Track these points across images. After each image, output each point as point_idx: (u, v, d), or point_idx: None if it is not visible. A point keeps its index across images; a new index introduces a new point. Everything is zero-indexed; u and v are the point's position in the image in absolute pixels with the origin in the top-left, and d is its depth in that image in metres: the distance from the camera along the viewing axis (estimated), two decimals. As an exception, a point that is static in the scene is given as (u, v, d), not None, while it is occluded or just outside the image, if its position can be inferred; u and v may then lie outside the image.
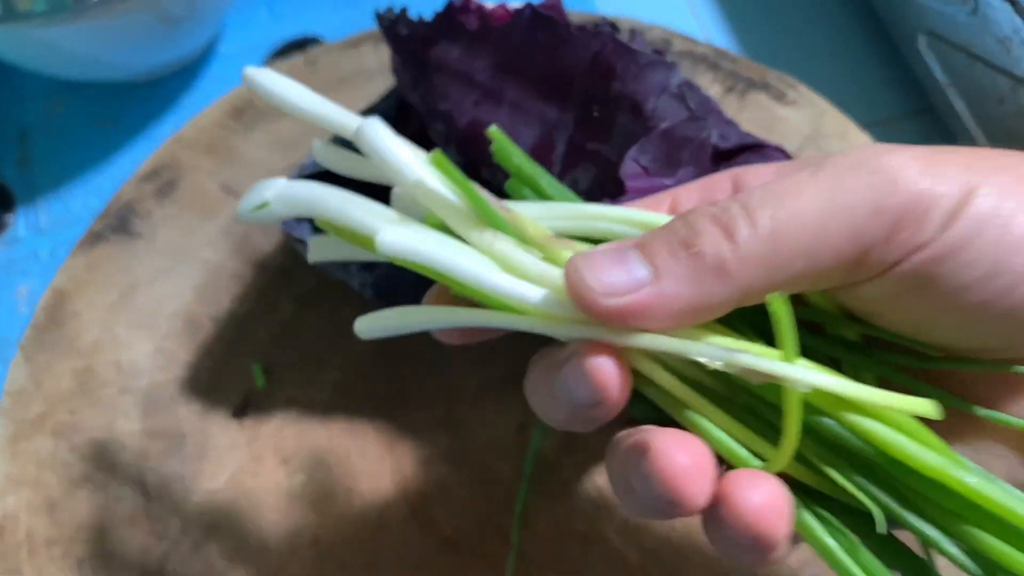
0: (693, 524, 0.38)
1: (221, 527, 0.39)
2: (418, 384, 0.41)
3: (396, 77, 0.39)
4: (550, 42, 0.33)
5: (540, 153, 0.33)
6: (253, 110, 0.49)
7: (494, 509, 0.38)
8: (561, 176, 0.34)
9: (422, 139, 0.41)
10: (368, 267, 0.38)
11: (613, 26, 0.39)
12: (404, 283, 0.37)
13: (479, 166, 0.34)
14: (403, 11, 0.35)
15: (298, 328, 0.43)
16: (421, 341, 0.40)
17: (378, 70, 0.50)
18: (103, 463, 0.40)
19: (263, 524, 0.39)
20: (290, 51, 0.55)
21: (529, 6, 0.33)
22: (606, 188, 0.33)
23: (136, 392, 0.42)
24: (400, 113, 0.40)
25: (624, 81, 0.32)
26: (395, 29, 0.36)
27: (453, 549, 0.38)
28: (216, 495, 0.39)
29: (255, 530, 0.39)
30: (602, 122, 0.33)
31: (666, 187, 0.30)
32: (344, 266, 0.38)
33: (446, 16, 0.34)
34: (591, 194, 0.33)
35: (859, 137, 0.46)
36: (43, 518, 0.39)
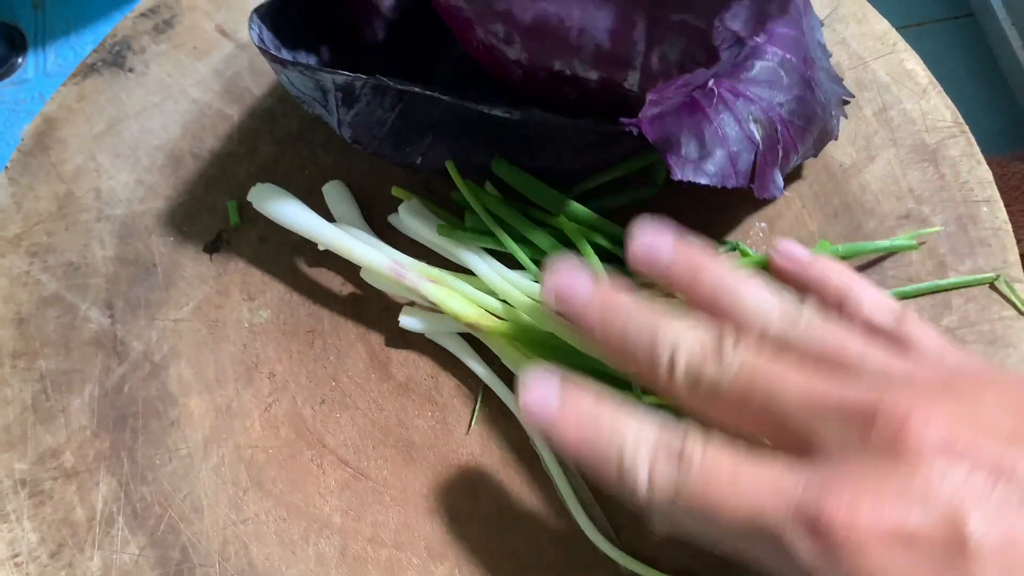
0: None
1: (181, 354, 0.39)
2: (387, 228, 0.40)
3: None
4: None
5: (620, 33, 0.31)
6: (256, -45, 0.48)
7: (446, 360, 0.38)
8: (647, 53, 0.32)
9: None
10: (347, 102, 0.37)
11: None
12: (377, 127, 0.36)
13: (552, 58, 0.33)
14: None
15: (276, 169, 0.42)
16: (388, 188, 0.40)
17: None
18: (74, 285, 0.40)
19: (222, 355, 0.39)
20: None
21: None
22: (699, 57, 0.31)
23: (113, 220, 0.42)
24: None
25: None
26: None
27: (405, 393, 0.38)
28: (180, 323, 0.39)
29: (214, 360, 0.39)
30: None
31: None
32: (323, 100, 0.37)
33: None
34: (683, 65, 0.31)
35: (879, 22, 0.43)
36: (11, 331, 0.39)
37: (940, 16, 0.51)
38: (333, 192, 0.40)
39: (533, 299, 0.35)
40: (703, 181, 0.34)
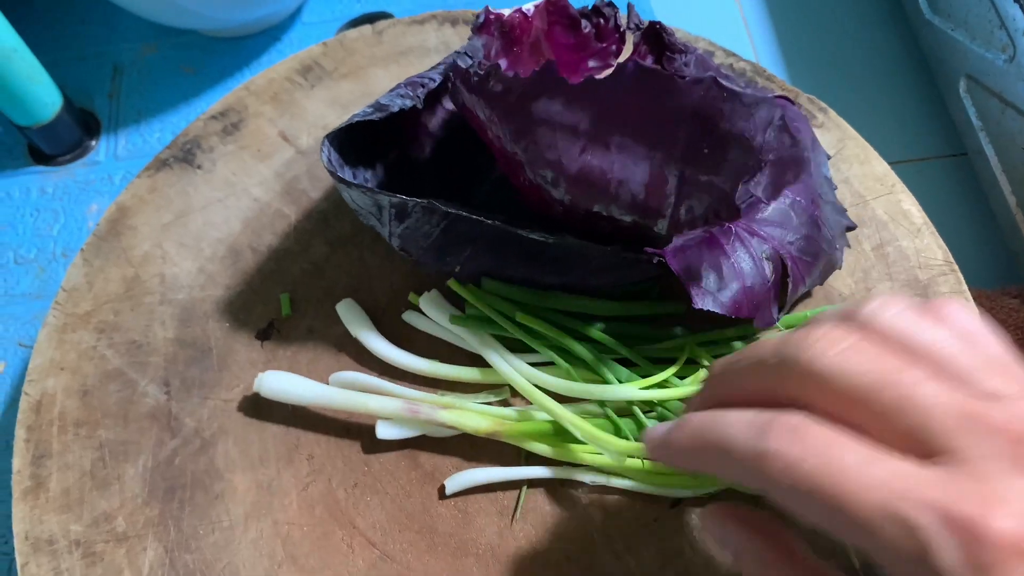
0: (648, 502, 0.40)
1: (229, 432, 0.42)
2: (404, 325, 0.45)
3: (472, 120, 0.40)
4: (655, 92, 0.33)
5: (654, 187, 0.36)
6: (320, 69, 0.53)
7: (469, 453, 0.41)
8: (676, 206, 0.36)
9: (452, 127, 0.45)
10: (400, 217, 0.41)
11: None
12: (423, 239, 0.41)
13: (592, 203, 0.37)
14: (495, 67, 0.36)
15: (327, 268, 0.47)
16: (421, 291, 0.44)
17: (435, 48, 0.54)
18: (135, 362, 0.44)
19: (266, 436, 0.42)
20: (362, 22, 0.59)
21: (633, 61, 0.33)
22: (721, 214, 0.36)
23: (174, 304, 0.46)
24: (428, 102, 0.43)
25: (732, 121, 0.33)
26: (486, 85, 0.36)
27: (431, 481, 0.41)
28: (229, 404, 0.43)
29: (259, 440, 0.42)
30: (712, 157, 0.34)
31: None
32: (378, 215, 0.41)
33: (545, 72, 0.34)
34: (707, 219, 0.36)
35: (880, 165, 0.48)
36: (76, 401, 0.43)
37: (937, 154, 0.55)
38: (346, 309, 0.44)
39: (538, 387, 0.39)
40: (719, 311, 0.38)
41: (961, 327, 0.25)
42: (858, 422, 0.23)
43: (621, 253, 0.39)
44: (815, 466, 0.22)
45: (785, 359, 0.25)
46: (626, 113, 0.34)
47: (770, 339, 0.27)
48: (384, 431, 0.40)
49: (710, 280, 0.39)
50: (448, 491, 0.40)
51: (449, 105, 0.47)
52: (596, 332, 0.41)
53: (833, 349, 0.24)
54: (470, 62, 0.42)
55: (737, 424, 0.25)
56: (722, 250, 0.39)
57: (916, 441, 0.22)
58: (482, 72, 0.36)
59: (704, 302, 0.38)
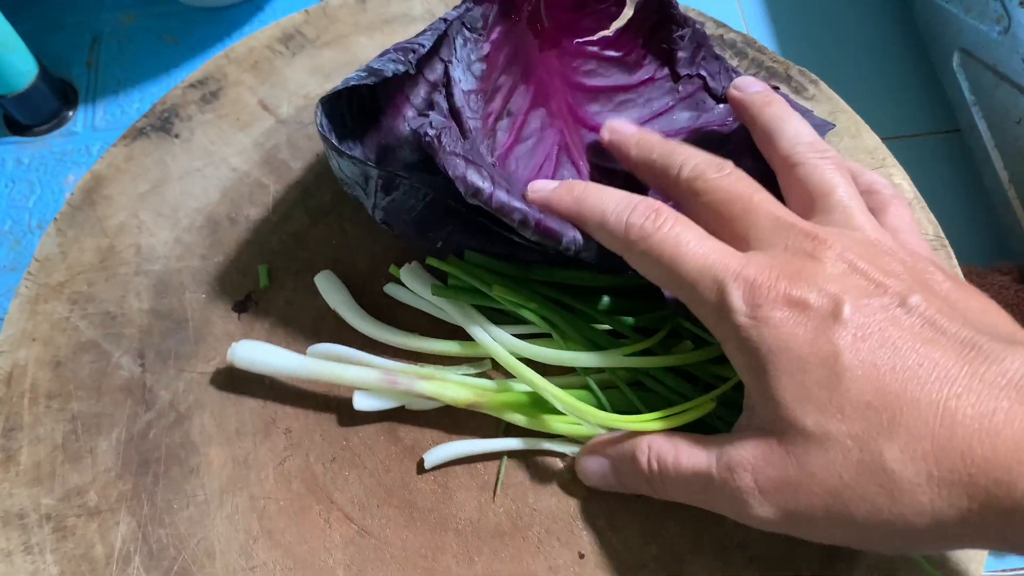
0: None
1: (205, 406, 0.41)
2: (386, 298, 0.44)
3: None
4: None
5: None
6: (301, 37, 0.52)
7: (451, 426, 0.41)
8: None
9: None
10: (386, 189, 0.40)
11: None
12: (407, 213, 0.40)
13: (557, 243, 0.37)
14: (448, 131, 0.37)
15: (306, 239, 0.46)
16: (402, 262, 0.43)
17: (421, 16, 0.53)
18: (109, 333, 0.43)
19: (243, 409, 0.41)
20: (347, -10, 0.58)
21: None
22: None
23: (150, 275, 0.45)
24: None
25: None
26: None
27: (411, 456, 0.40)
28: (205, 376, 0.42)
29: (235, 413, 0.41)
30: None
31: None
32: (364, 185, 0.40)
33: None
34: None
35: (871, 138, 0.47)
36: (48, 373, 0.42)
37: (929, 130, 0.54)
38: (324, 281, 0.43)
39: (520, 357, 0.38)
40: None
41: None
42: (710, 225, 0.33)
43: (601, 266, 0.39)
44: (663, 238, 0.32)
45: (669, 168, 0.35)
46: None
47: (669, 147, 0.37)
48: (361, 402, 0.39)
49: None
50: (427, 464, 0.39)
51: (432, 77, 0.45)
52: (579, 303, 0.40)
53: (711, 175, 0.34)
54: (468, 35, 0.41)
55: (612, 198, 0.35)
56: None
57: (742, 238, 0.32)
58: (432, 137, 0.36)
59: (680, 308, 0.38)
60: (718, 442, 0.32)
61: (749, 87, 0.40)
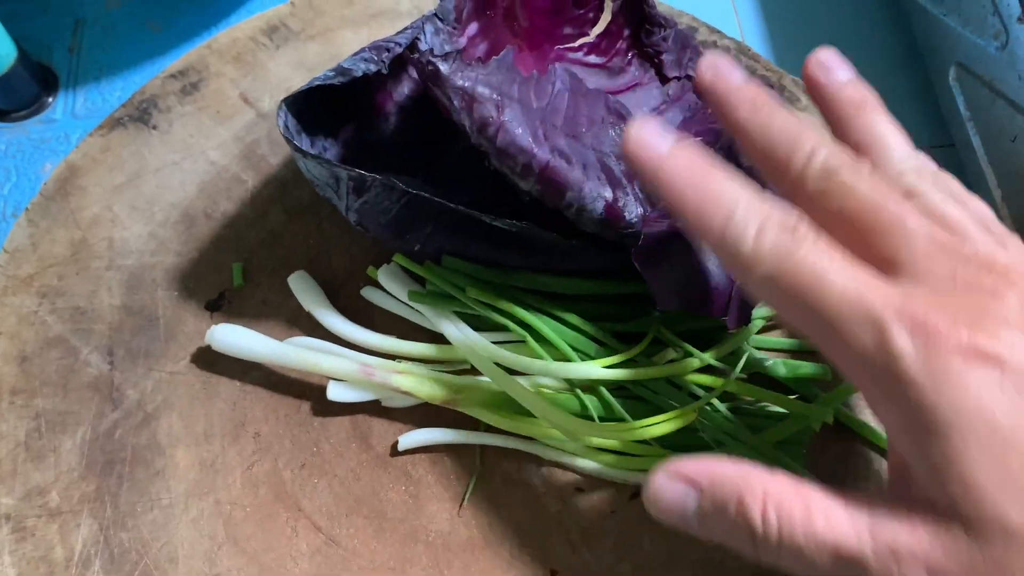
0: (607, 492, 0.39)
1: (173, 406, 0.40)
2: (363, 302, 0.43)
3: (436, 101, 0.38)
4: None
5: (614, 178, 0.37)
6: (286, 30, 0.51)
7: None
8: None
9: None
10: (358, 191, 0.39)
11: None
12: (382, 216, 0.39)
13: (560, 197, 0.36)
14: (455, 54, 0.35)
15: (284, 237, 0.44)
16: (381, 263, 0.42)
17: (408, 12, 0.51)
18: (78, 329, 0.42)
19: (212, 411, 0.40)
20: (335, -17, 0.57)
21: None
22: None
23: (123, 270, 0.44)
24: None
25: None
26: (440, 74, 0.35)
27: (382, 465, 0.39)
28: (175, 376, 0.41)
29: (204, 415, 0.40)
30: None
31: None
32: (335, 187, 0.39)
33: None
34: None
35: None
36: (13, 368, 0.41)
37: (924, 143, 0.53)
38: (299, 281, 0.42)
39: (498, 364, 0.37)
40: (684, 310, 0.36)
41: (955, 189, 0.28)
42: (841, 238, 0.25)
43: (589, 248, 0.37)
44: (800, 262, 0.24)
45: (794, 153, 0.27)
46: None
47: (794, 124, 0.28)
48: (336, 392, 0.38)
49: (675, 279, 0.37)
50: (401, 447, 0.39)
51: (415, 73, 0.44)
52: (561, 311, 0.39)
53: (848, 176, 0.26)
54: (440, 25, 0.40)
55: (743, 195, 0.26)
56: (688, 247, 0.37)
57: (891, 262, 0.25)
58: (436, 60, 0.34)
59: (668, 302, 0.36)
60: (868, 506, 0.24)
61: (830, 70, 0.32)
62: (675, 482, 0.26)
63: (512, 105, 0.34)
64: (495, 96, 0.34)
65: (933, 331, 0.22)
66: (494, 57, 0.36)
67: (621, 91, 0.44)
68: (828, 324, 0.24)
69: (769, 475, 0.25)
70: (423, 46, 0.38)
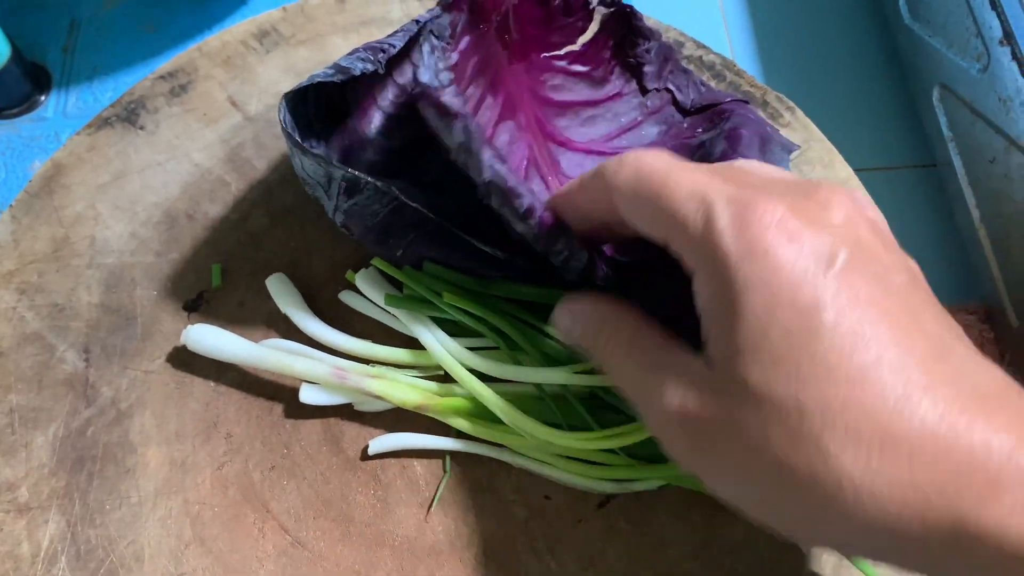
0: (574, 501, 0.39)
1: (146, 405, 0.41)
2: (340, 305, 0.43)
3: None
4: None
5: None
6: (277, 34, 0.51)
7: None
8: None
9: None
10: (349, 193, 0.39)
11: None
12: (369, 219, 0.39)
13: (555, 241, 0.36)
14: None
15: (265, 240, 0.45)
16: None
17: (399, 20, 0.52)
18: (56, 326, 0.42)
19: (185, 411, 0.41)
20: (327, -10, 0.57)
21: None
22: None
23: (103, 268, 0.44)
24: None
25: None
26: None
27: (352, 469, 0.39)
28: (150, 375, 0.41)
29: (177, 415, 0.40)
30: None
31: None
32: (327, 186, 0.39)
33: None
34: None
35: (843, 168, 0.46)
36: (-11, 363, 0.41)
37: (905, 163, 0.54)
38: (276, 284, 0.42)
39: (471, 369, 0.38)
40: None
41: None
42: None
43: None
44: (651, 170, 0.28)
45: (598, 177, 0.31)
46: None
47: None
48: (308, 395, 0.39)
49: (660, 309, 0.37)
50: (371, 451, 0.39)
51: (401, 80, 0.45)
52: (537, 320, 0.39)
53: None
54: (435, 43, 0.40)
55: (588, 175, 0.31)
56: (661, 280, 0.37)
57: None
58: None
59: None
60: (675, 353, 0.28)
61: None
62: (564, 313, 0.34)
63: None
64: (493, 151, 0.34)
65: (753, 209, 0.25)
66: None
67: (602, 101, 0.44)
68: (668, 215, 0.27)
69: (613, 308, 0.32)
70: (423, 75, 0.38)
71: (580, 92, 0.44)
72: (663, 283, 0.37)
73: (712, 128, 0.42)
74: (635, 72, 0.45)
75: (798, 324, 0.24)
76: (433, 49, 0.40)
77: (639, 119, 0.44)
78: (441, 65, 0.40)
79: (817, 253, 0.24)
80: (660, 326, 0.30)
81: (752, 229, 0.25)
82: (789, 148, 0.40)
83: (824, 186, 0.27)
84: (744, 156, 0.39)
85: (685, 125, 0.43)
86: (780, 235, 0.24)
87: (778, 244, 0.24)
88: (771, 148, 0.43)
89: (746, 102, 0.41)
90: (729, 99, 0.43)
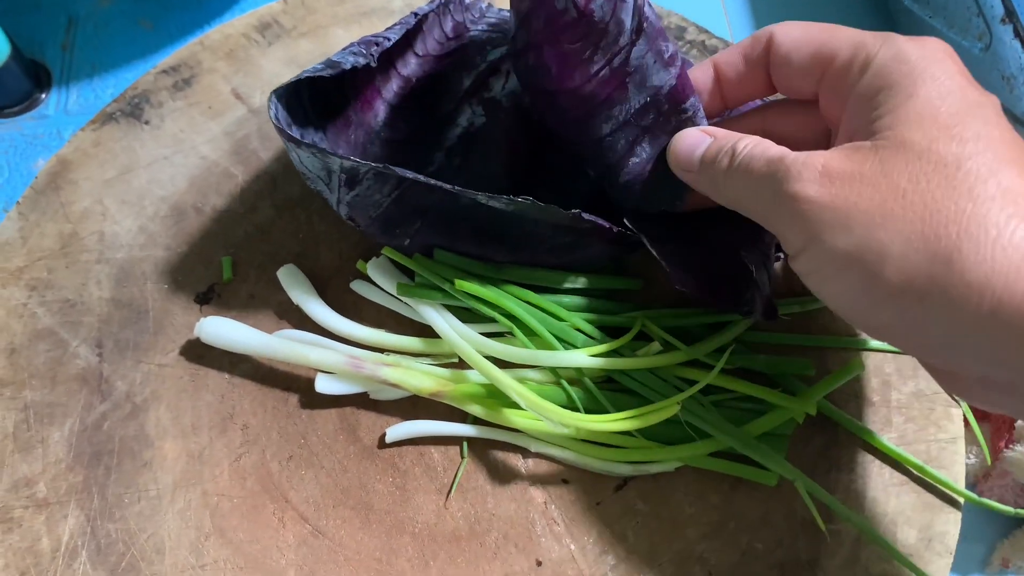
0: (592, 483, 0.39)
1: (161, 398, 0.41)
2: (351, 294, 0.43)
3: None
4: None
5: None
6: (278, 27, 0.51)
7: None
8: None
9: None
10: (350, 184, 0.39)
11: None
12: (373, 209, 0.39)
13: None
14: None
15: (272, 231, 0.45)
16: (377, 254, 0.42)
17: (399, 10, 0.52)
18: (67, 321, 0.42)
19: (200, 404, 0.41)
20: (327, -19, 0.57)
21: None
22: None
23: (112, 263, 0.44)
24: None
25: None
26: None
27: (369, 457, 0.40)
28: (164, 369, 0.41)
29: (192, 407, 0.40)
30: None
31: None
32: (327, 179, 0.39)
33: None
34: None
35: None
36: (2, 360, 0.41)
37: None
38: (288, 275, 0.42)
39: (486, 355, 0.38)
40: (695, 292, 0.37)
41: None
42: None
43: (582, 219, 0.37)
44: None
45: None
46: None
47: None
48: (324, 385, 0.39)
49: (691, 262, 0.37)
50: (388, 439, 0.39)
51: (405, 71, 0.45)
52: (547, 302, 0.39)
53: None
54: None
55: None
56: (698, 232, 0.37)
57: None
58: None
59: (682, 282, 0.36)
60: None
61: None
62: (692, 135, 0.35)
63: None
64: None
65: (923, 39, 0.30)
66: None
67: None
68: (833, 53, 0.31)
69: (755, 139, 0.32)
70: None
71: None
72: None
73: None
74: None
75: (965, 108, 0.27)
76: None
77: None
78: None
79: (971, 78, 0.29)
80: None
81: (928, 46, 0.29)
82: None
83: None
84: None
85: None
86: (948, 55, 0.29)
87: (950, 57, 0.29)
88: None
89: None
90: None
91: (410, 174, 0.36)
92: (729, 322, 0.40)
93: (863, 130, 0.29)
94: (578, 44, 0.34)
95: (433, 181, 0.36)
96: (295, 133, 0.39)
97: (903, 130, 0.27)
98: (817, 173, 0.28)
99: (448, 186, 0.36)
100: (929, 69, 0.28)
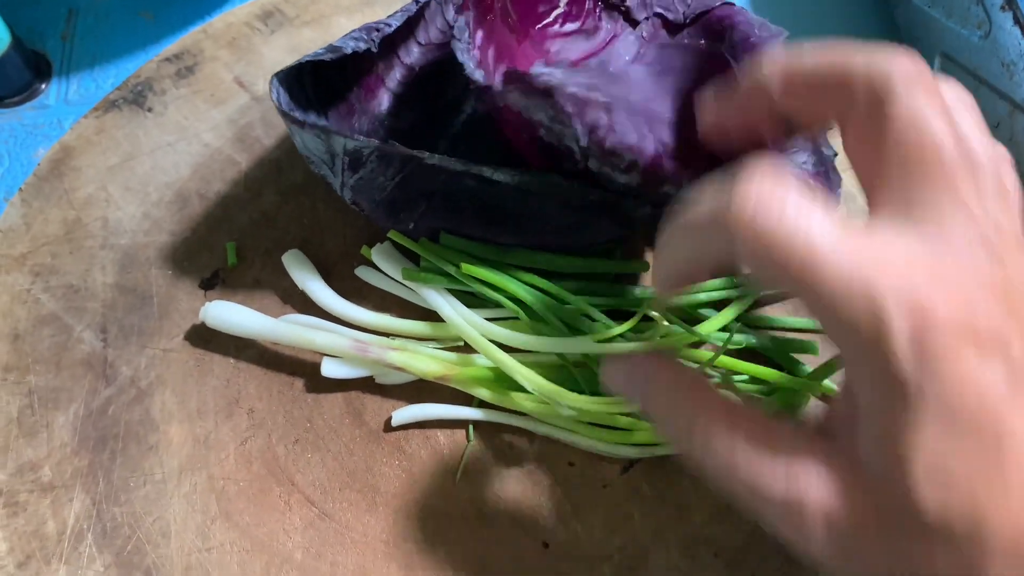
0: (598, 466, 0.39)
1: (166, 383, 0.41)
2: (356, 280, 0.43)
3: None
4: None
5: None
6: (281, 15, 0.51)
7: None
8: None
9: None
10: (353, 166, 0.39)
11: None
12: (377, 192, 0.39)
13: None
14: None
15: (277, 217, 0.45)
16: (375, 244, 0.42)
17: (402, -2, 0.52)
18: (72, 307, 0.42)
19: (206, 388, 0.41)
20: (329, -29, 0.57)
21: None
22: None
23: (116, 249, 0.44)
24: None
25: None
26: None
27: (375, 440, 0.40)
28: (169, 353, 0.41)
29: (197, 392, 0.40)
30: None
31: None
32: (331, 162, 0.39)
33: None
34: None
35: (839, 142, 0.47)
36: (6, 345, 0.41)
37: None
38: (293, 260, 0.42)
39: (492, 340, 0.38)
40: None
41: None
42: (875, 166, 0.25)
43: (588, 191, 0.37)
44: (786, 228, 0.21)
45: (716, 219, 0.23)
46: None
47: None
48: (330, 369, 0.39)
49: None
50: (394, 422, 0.39)
51: (408, 60, 0.45)
52: (552, 286, 0.39)
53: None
54: (460, 45, 0.39)
55: (700, 201, 0.24)
56: None
57: (902, 196, 0.23)
58: (547, 73, 0.35)
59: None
60: (791, 442, 0.24)
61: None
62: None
63: (618, 103, 0.34)
64: (604, 99, 0.34)
65: (931, 319, 0.21)
66: (585, 61, 0.40)
67: (601, 49, 0.44)
68: (831, 310, 0.22)
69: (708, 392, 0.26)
70: (469, 71, 0.38)
71: (579, 48, 0.44)
72: None
73: (717, 39, 0.41)
74: (619, 9, 0.45)
75: (980, 452, 0.21)
76: (464, 50, 0.39)
77: (642, 51, 0.44)
78: (472, 65, 0.39)
79: (1003, 372, 0.21)
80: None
81: (931, 348, 0.21)
82: (777, 36, 0.41)
83: (1001, 220, 0.23)
84: None
85: (687, 41, 0.43)
86: (971, 347, 0.21)
87: (961, 364, 0.21)
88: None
89: (732, 4, 0.41)
90: (719, 2, 0.43)
91: (415, 151, 0.36)
92: (734, 300, 0.40)
93: (869, 438, 0.23)
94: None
95: (437, 157, 0.36)
96: (298, 115, 0.39)
97: (910, 483, 0.21)
98: (819, 515, 0.23)
99: (452, 160, 0.36)
100: (935, 391, 0.21)
